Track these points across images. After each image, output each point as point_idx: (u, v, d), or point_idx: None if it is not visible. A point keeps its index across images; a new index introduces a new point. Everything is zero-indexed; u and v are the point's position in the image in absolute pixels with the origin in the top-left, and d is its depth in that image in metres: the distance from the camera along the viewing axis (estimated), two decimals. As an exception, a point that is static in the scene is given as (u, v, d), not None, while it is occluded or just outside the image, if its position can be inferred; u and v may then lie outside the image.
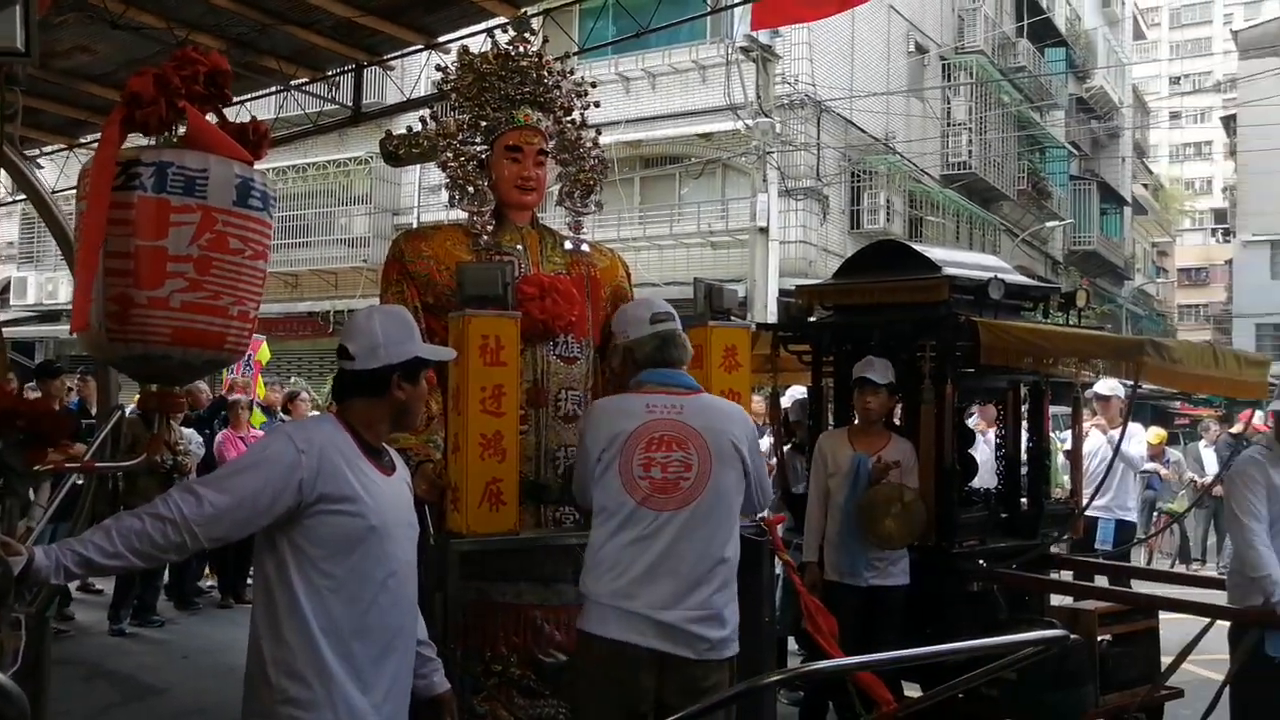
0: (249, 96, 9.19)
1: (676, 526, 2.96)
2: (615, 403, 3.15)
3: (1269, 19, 37.93)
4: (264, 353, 11.00)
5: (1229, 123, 39.02)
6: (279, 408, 10.18)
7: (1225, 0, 56.71)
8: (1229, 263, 43.10)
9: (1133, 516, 8.52)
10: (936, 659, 2.28)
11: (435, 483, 3.39)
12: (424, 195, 17.97)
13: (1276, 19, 36.19)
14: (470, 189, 3.90)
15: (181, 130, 3.12)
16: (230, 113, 3.32)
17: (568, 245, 4.03)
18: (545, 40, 4.26)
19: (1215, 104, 47.23)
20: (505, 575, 3.46)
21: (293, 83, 9.20)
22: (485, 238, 3.86)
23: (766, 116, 15.23)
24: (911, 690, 4.91)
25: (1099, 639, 4.86)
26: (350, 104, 10.03)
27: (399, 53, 8.81)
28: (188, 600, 8.95)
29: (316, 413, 9.57)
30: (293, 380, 15.51)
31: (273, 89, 9.73)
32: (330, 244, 19.18)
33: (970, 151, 19.96)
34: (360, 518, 2.39)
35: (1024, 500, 5.60)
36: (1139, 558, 11.41)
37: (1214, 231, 53.18)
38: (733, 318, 3.94)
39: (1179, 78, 55.22)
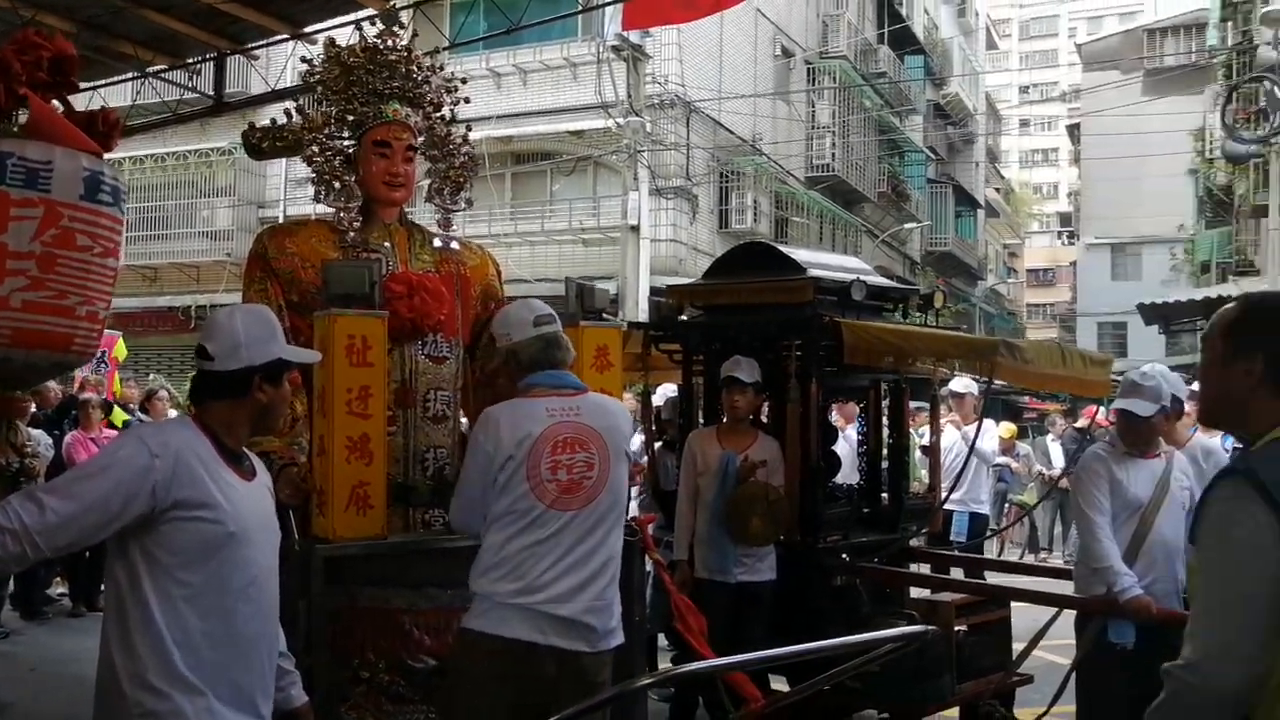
0: (102, 83, 8.74)
1: (579, 525, 3.05)
2: (513, 408, 3.13)
3: (1110, 34, 40.19)
4: (120, 349, 10.49)
5: (1073, 131, 41.16)
6: (137, 406, 9.73)
7: (1070, 13, 59.67)
8: (1073, 264, 45.51)
9: (985, 509, 8.92)
10: (805, 657, 2.34)
11: (300, 486, 3.31)
12: (290, 188, 17.48)
13: (1116, 34, 38.36)
14: (337, 184, 3.81)
15: (24, 118, 2.95)
16: (82, 99, 3.16)
17: (437, 243, 3.98)
18: (415, 35, 4.19)
19: (1061, 113, 49.66)
20: (372, 580, 3.39)
21: (150, 70, 8.79)
22: (352, 234, 3.77)
23: (637, 115, 15.33)
24: (779, 683, 5.02)
25: (956, 629, 5.06)
26: (212, 93, 9.66)
27: (263, 42, 8.52)
28: (36, 610, 8.49)
29: (175, 412, 9.19)
30: (151, 377, 14.84)
31: (128, 75, 9.28)
32: (191, 236, 18.58)
33: (833, 154, 20.50)
34: (219, 524, 2.31)
35: (885, 495, 5.79)
36: (991, 548, 11.92)
37: (1060, 234, 55.92)
38: (605, 316, 3.95)
39: (1028, 87, 57.83)
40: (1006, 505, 13.14)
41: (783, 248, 5.75)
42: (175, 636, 2.27)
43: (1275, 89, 13.59)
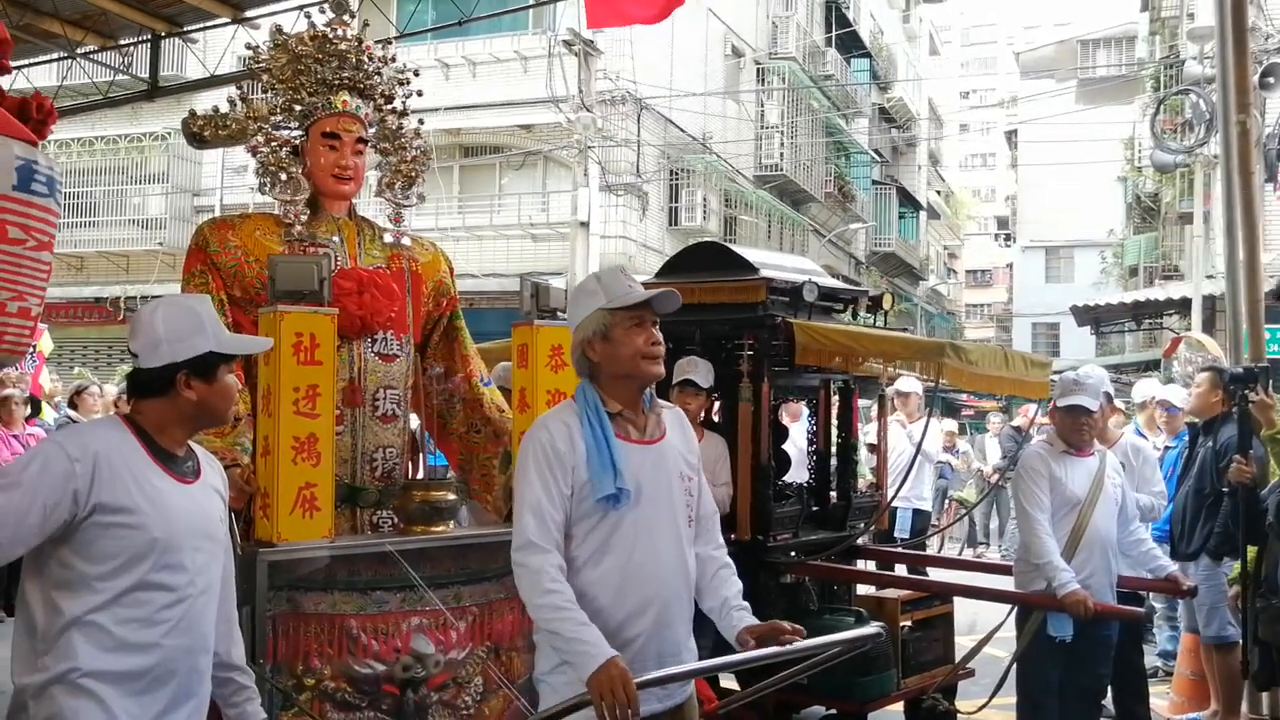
0: (27, 62, 8.45)
1: None
2: None
3: (1046, 44, 40.89)
4: (45, 342, 10.14)
5: (1011, 137, 41.87)
6: (65, 401, 9.42)
7: (1008, 23, 60.58)
8: (1010, 266, 46.35)
9: (928, 505, 9.07)
10: (763, 661, 2.33)
11: (243, 488, 3.20)
12: (228, 176, 17.10)
13: (1051, 44, 39.03)
14: (283, 176, 3.69)
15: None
16: (4, 81, 3.01)
17: (388, 238, 3.88)
18: (366, 24, 4.09)
19: (999, 119, 50.43)
20: (319, 585, 3.30)
21: (79, 50, 8.50)
22: (299, 228, 3.66)
23: (588, 110, 15.25)
24: (728, 680, 5.02)
25: (901, 625, 5.11)
26: (146, 77, 9.37)
27: (202, 25, 8.30)
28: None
29: (112, 409, 8.91)
30: (76, 371, 14.42)
31: (55, 56, 8.96)
32: (121, 224, 18.12)
33: (782, 154, 20.61)
34: (139, 529, 2.20)
35: (833, 494, 5.81)
36: (932, 542, 12.08)
37: (997, 237, 56.83)
38: (560, 315, 3.89)
39: (968, 92, 58.59)
40: (946, 501, 13.34)
41: (735, 248, 5.75)
42: (90, 650, 2.16)
43: (1200, 102, 13.93)
